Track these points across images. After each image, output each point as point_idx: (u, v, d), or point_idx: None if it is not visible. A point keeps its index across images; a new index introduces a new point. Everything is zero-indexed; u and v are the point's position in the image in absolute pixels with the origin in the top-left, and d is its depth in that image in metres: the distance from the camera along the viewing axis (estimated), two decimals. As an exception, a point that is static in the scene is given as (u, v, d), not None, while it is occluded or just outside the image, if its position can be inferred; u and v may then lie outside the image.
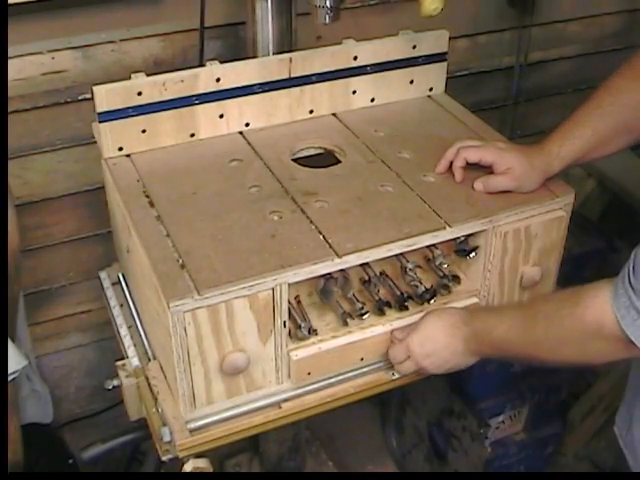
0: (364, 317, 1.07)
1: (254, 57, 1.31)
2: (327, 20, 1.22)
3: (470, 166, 1.14)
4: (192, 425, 1.01)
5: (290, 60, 1.24)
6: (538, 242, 1.12)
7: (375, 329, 1.08)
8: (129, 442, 1.54)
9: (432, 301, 1.10)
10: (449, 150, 1.16)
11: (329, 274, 1.03)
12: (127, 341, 1.18)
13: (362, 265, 1.06)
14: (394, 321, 1.08)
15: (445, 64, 1.37)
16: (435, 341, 1.04)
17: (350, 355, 1.08)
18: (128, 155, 1.20)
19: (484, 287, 1.13)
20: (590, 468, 1.85)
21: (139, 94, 1.16)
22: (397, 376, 1.10)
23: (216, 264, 0.97)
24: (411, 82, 1.36)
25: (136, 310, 1.22)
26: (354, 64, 1.29)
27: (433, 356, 1.05)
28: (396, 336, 1.07)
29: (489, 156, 1.12)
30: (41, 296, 1.68)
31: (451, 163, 1.15)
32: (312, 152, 1.27)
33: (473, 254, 1.11)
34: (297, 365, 1.03)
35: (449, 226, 1.05)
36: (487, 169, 1.13)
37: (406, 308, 1.09)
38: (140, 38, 1.49)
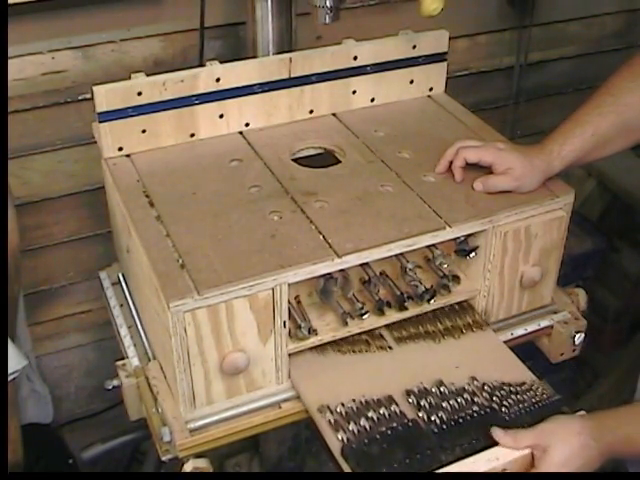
0: (364, 317, 1.07)
1: (254, 57, 1.31)
2: (327, 20, 1.23)
3: (470, 166, 1.14)
4: (192, 425, 1.01)
5: (290, 60, 1.24)
6: (538, 242, 1.12)
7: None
8: (129, 442, 1.54)
9: (432, 301, 1.10)
10: (448, 150, 1.16)
11: (329, 274, 1.03)
12: (127, 341, 1.18)
13: (362, 265, 1.06)
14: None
15: (445, 64, 1.37)
16: (569, 467, 0.93)
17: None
18: (128, 155, 1.20)
19: (484, 287, 1.13)
20: (590, 468, 1.84)
21: (139, 94, 1.16)
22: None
23: (216, 264, 0.97)
24: (411, 82, 1.36)
25: (136, 310, 1.22)
26: (354, 64, 1.29)
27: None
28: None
29: (488, 156, 1.12)
30: (41, 296, 1.68)
31: (451, 163, 1.15)
32: (312, 152, 1.27)
33: (473, 254, 1.11)
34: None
35: (449, 226, 1.05)
36: (487, 169, 1.13)
37: (406, 308, 1.09)
38: (140, 38, 1.49)
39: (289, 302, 1.00)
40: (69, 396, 1.85)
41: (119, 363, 1.14)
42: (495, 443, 0.93)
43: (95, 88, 1.14)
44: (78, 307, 1.74)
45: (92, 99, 1.14)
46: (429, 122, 1.32)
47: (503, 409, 0.98)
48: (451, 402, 0.99)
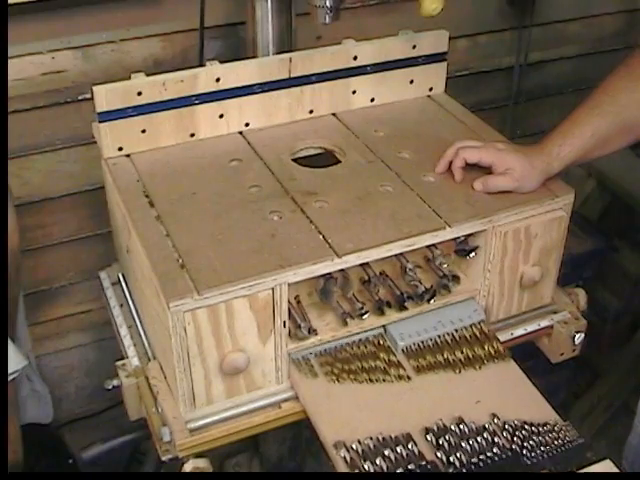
0: (364, 317, 1.07)
1: (254, 57, 1.31)
2: (327, 20, 1.22)
3: (470, 166, 1.14)
4: (192, 425, 1.01)
5: (290, 60, 1.24)
6: (538, 242, 1.12)
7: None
8: (129, 442, 1.54)
9: (432, 301, 1.10)
10: (448, 150, 1.16)
11: (329, 274, 1.03)
12: (127, 341, 1.18)
13: (362, 265, 1.06)
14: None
15: (445, 64, 1.37)
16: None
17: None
18: (128, 155, 1.20)
19: (484, 287, 1.13)
20: (590, 468, 1.85)
21: (139, 94, 1.16)
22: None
23: (216, 264, 0.97)
24: (411, 82, 1.36)
25: (136, 310, 1.22)
26: (354, 64, 1.29)
27: None
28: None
29: (488, 157, 1.12)
30: (41, 296, 1.68)
31: (451, 163, 1.15)
32: (312, 152, 1.27)
33: (473, 254, 1.11)
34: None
35: (449, 226, 1.05)
36: (487, 169, 1.13)
37: (406, 308, 1.09)
38: (140, 38, 1.49)
39: (289, 302, 1.00)
40: (69, 396, 1.85)
41: (119, 363, 1.14)
42: None
43: (95, 88, 1.14)
44: (78, 307, 1.74)
45: (92, 99, 1.14)
46: (429, 122, 1.32)
47: (524, 452, 0.94)
48: (471, 442, 0.94)
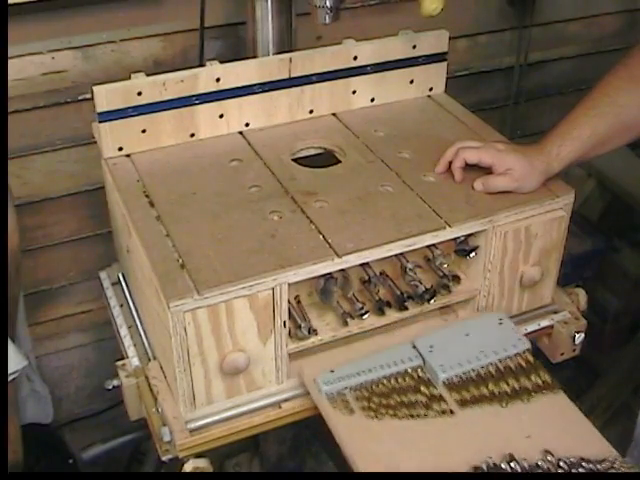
0: (364, 317, 1.07)
1: (254, 57, 1.31)
2: (327, 20, 1.23)
3: (470, 166, 1.14)
4: (192, 425, 1.01)
5: (290, 60, 1.24)
6: (538, 242, 1.12)
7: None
8: (129, 442, 1.54)
9: (432, 301, 1.10)
10: (448, 150, 1.16)
11: (329, 274, 1.03)
12: (127, 341, 1.18)
13: (362, 265, 1.06)
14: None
15: (445, 64, 1.37)
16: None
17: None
18: (128, 155, 1.20)
19: (484, 287, 1.13)
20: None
21: (139, 94, 1.16)
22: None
23: (216, 264, 0.97)
24: (411, 82, 1.36)
25: (136, 310, 1.22)
26: (354, 64, 1.29)
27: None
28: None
29: (488, 157, 1.12)
30: (41, 296, 1.68)
31: (450, 163, 1.15)
32: (312, 152, 1.27)
33: (473, 254, 1.11)
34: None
35: (449, 226, 1.05)
36: (487, 169, 1.13)
37: (406, 308, 1.09)
38: (140, 38, 1.49)
39: (289, 302, 1.00)
40: (69, 396, 1.85)
41: (119, 363, 1.14)
42: None
43: (95, 88, 1.14)
44: (78, 307, 1.74)
45: (92, 99, 1.14)
46: (429, 122, 1.32)
47: None
48: None
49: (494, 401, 1.00)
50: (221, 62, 1.22)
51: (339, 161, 1.23)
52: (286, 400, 1.05)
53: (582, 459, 0.91)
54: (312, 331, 1.04)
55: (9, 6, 1.23)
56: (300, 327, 1.04)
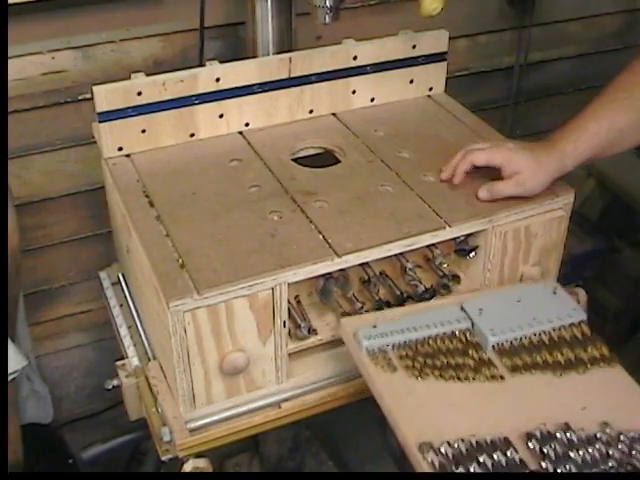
0: (364, 317, 1.07)
1: (254, 57, 1.31)
2: (327, 20, 1.22)
3: (477, 169, 1.11)
4: (192, 425, 1.01)
5: (290, 60, 1.24)
6: (538, 242, 1.12)
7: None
8: (129, 442, 1.54)
9: (431, 301, 1.10)
10: (455, 156, 1.12)
11: (329, 274, 1.03)
12: (127, 341, 1.18)
13: (362, 265, 1.06)
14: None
15: (445, 64, 1.37)
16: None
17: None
18: (128, 155, 1.20)
19: (484, 287, 1.12)
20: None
21: (139, 94, 1.16)
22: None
23: (216, 264, 0.97)
24: (411, 82, 1.36)
25: (136, 310, 1.22)
26: (354, 64, 1.30)
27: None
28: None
29: (497, 158, 1.08)
30: (41, 296, 1.68)
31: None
32: (312, 152, 1.27)
33: (473, 254, 1.11)
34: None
35: (449, 226, 1.05)
36: (493, 171, 1.10)
37: (406, 308, 1.09)
38: (140, 38, 1.49)
39: (289, 302, 1.00)
40: (69, 396, 1.85)
41: (119, 363, 1.14)
42: None
43: (95, 88, 1.14)
44: (78, 307, 1.74)
45: (92, 99, 1.14)
46: (429, 122, 1.32)
47: None
48: (581, 452, 0.83)
49: (547, 370, 0.95)
50: (221, 62, 1.22)
51: (339, 161, 1.23)
52: (286, 400, 1.05)
53: None
54: (312, 331, 1.04)
55: (9, 6, 1.23)
56: (300, 327, 1.04)
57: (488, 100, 1.92)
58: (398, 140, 1.26)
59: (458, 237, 1.10)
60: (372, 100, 1.35)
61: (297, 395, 1.05)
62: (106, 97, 1.14)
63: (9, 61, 1.36)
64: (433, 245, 1.09)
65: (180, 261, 0.98)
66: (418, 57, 1.34)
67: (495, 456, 0.81)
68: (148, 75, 1.18)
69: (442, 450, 0.82)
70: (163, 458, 1.04)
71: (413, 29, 1.34)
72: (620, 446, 0.84)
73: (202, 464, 1.02)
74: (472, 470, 0.79)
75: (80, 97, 1.48)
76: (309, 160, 1.25)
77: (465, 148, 1.13)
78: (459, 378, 0.93)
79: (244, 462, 1.71)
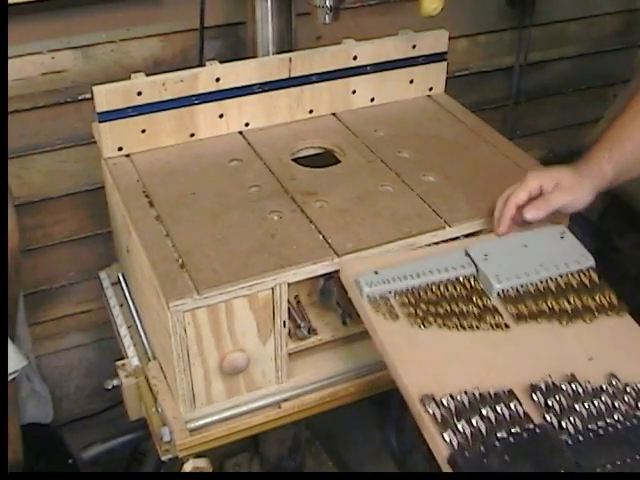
0: (364, 317, 1.06)
1: (254, 57, 1.31)
2: (327, 20, 1.23)
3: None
4: (192, 425, 1.01)
5: (290, 60, 1.24)
6: (538, 242, 1.12)
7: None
8: (129, 442, 1.54)
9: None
10: (497, 205, 1.03)
11: (329, 274, 1.03)
12: (127, 341, 1.18)
13: (362, 265, 1.06)
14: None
15: (445, 64, 1.37)
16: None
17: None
18: (128, 155, 1.20)
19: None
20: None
21: (139, 94, 1.16)
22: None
23: (216, 264, 0.97)
24: (411, 82, 1.36)
25: (136, 310, 1.22)
26: (354, 64, 1.30)
27: None
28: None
29: (534, 182, 1.00)
30: (41, 296, 1.68)
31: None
32: (312, 152, 1.27)
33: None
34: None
35: (449, 226, 1.05)
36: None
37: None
38: (140, 38, 1.49)
39: (289, 302, 1.00)
40: (69, 396, 1.85)
41: (119, 363, 1.14)
42: None
43: (95, 88, 1.14)
44: (78, 307, 1.74)
45: (92, 99, 1.14)
46: (429, 122, 1.32)
47: None
48: (586, 405, 0.81)
49: (553, 318, 0.92)
50: (221, 62, 1.23)
51: (339, 161, 1.23)
52: (286, 400, 1.05)
53: None
54: (312, 331, 1.05)
55: (9, 6, 1.23)
56: (300, 327, 1.04)
57: (488, 100, 1.92)
58: (398, 140, 1.26)
59: (458, 237, 1.09)
60: (372, 100, 1.35)
61: (297, 395, 1.05)
62: (106, 97, 1.14)
63: (9, 61, 1.36)
64: (434, 244, 1.09)
65: (180, 261, 0.98)
66: (418, 57, 1.34)
67: (498, 409, 0.80)
68: (148, 75, 1.18)
69: (444, 402, 0.80)
70: (163, 458, 1.04)
71: (413, 29, 1.34)
72: (626, 398, 0.82)
73: (202, 464, 1.02)
74: (474, 423, 0.78)
75: (80, 97, 1.48)
76: (309, 160, 1.25)
77: (503, 195, 1.04)
78: (463, 326, 0.91)
79: (244, 462, 1.70)
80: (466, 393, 0.81)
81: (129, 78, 1.17)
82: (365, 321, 0.93)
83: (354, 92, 1.32)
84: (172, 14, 1.49)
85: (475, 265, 0.97)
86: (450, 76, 1.40)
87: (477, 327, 0.91)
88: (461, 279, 0.96)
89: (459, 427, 0.78)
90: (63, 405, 1.82)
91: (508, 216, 1.01)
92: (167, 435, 1.01)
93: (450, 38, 1.35)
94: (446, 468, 0.77)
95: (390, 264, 0.97)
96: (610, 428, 0.79)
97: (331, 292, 1.07)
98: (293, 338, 1.04)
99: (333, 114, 1.33)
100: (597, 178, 1.02)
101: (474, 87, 1.88)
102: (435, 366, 0.86)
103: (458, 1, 1.71)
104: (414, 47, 1.33)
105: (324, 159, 1.26)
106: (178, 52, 1.54)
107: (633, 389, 0.83)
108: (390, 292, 0.94)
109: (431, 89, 1.39)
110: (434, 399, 0.81)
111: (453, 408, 0.80)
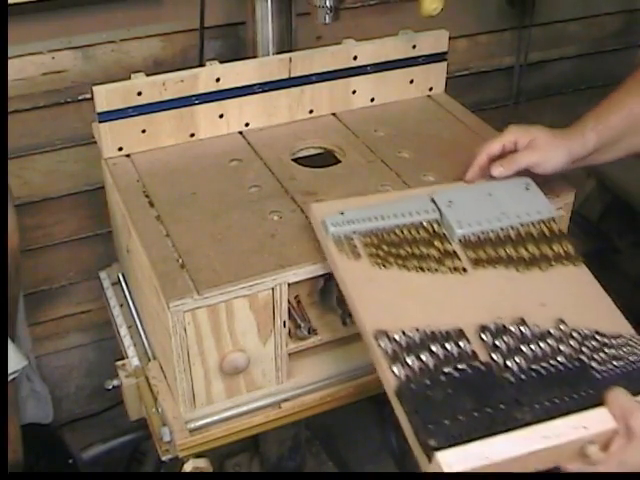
0: (364, 317, 1.06)
1: (254, 57, 1.31)
2: (327, 20, 1.23)
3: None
4: (192, 425, 1.01)
5: (290, 60, 1.24)
6: (538, 242, 1.12)
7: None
8: (129, 442, 1.54)
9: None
10: (476, 156, 1.05)
11: (329, 274, 1.03)
12: (127, 341, 1.18)
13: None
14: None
15: (445, 64, 1.37)
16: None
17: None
18: (128, 155, 1.20)
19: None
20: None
21: (139, 94, 1.16)
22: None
23: (216, 264, 0.97)
24: (411, 82, 1.36)
25: (136, 310, 1.22)
26: (354, 64, 1.30)
27: None
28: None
29: (509, 136, 1.02)
30: (41, 296, 1.68)
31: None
32: (312, 152, 1.27)
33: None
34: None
35: (449, 226, 1.05)
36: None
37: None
38: (140, 38, 1.50)
39: (289, 302, 1.00)
40: (69, 396, 1.85)
41: (119, 363, 1.14)
42: (584, 407, 0.77)
43: (95, 88, 1.14)
44: (78, 307, 1.74)
45: (92, 99, 1.14)
46: (429, 122, 1.32)
47: (594, 364, 0.82)
48: (532, 347, 0.83)
49: (510, 265, 0.95)
50: (221, 62, 1.22)
51: (339, 161, 1.23)
52: (286, 400, 1.05)
53: (597, 332, 0.87)
54: (312, 331, 1.04)
55: (9, 6, 1.23)
56: (300, 327, 1.04)
57: (488, 100, 1.92)
58: (398, 140, 1.26)
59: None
60: (372, 100, 1.35)
61: (297, 395, 1.05)
62: (106, 97, 1.14)
63: (9, 61, 1.37)
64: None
65: (180, 261, 0.98)
66: (418, 57, 1.34)
67: (447, 346, 0.82)
68: (148, 75, 1.18)
69: (396, 338, 0.83)
70: (163, 458, 1.04)
71: (413, 29, 1.34)
72: (572, 342, 0.85)
73: (202, 464, 1.02)
74: (423, 358, 0.81)
75: (80, 97, 1.49)
76: (309, 160, 1.25)
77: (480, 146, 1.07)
78: (422, 269, 0.93)
79: (244, 462, 1.71)
80: (418, 330, 0.84)
81: (129, 78, 1.17)
82: (328, 259, 0.96)
83: (354, 92, 1.32)
84: (172, 14, 1.49)
85: (439, 211, 0.99)
86: (450, 76, 1.40)
87: (436, 270, 0.93)
88: (424, 223, 0.98)
89: (408, 361, 0.80)
90: (63, 405, 1.82)
91: (478, 164, 1.03)
92: (167, 435, 1.01)
93: (450, 38, 1.35)
94: (394, 400, 0.79)
95: (357, 207, 0.99)
96: (552, 369, 0.82)
97: (331, 292, 1.07)
98: (293, 338, 1.04)
99: (333, 114, 1.33)
100: (576, 143, 1.01)
101: (474, 87, 1.88)
102: (391, 304, 0.88)
103: (458, 1, 1.71)
104: (414, 47, 1.33)
105: (324, 159, 1.26)
106: (178, 52, 1.54)
107: (579, 334, 0.86)
108: (354, 232, 0.96)
109: (431, 89, 1.39)
110: (387, 334, 0.83)
111: (404, 343, 0.83)
